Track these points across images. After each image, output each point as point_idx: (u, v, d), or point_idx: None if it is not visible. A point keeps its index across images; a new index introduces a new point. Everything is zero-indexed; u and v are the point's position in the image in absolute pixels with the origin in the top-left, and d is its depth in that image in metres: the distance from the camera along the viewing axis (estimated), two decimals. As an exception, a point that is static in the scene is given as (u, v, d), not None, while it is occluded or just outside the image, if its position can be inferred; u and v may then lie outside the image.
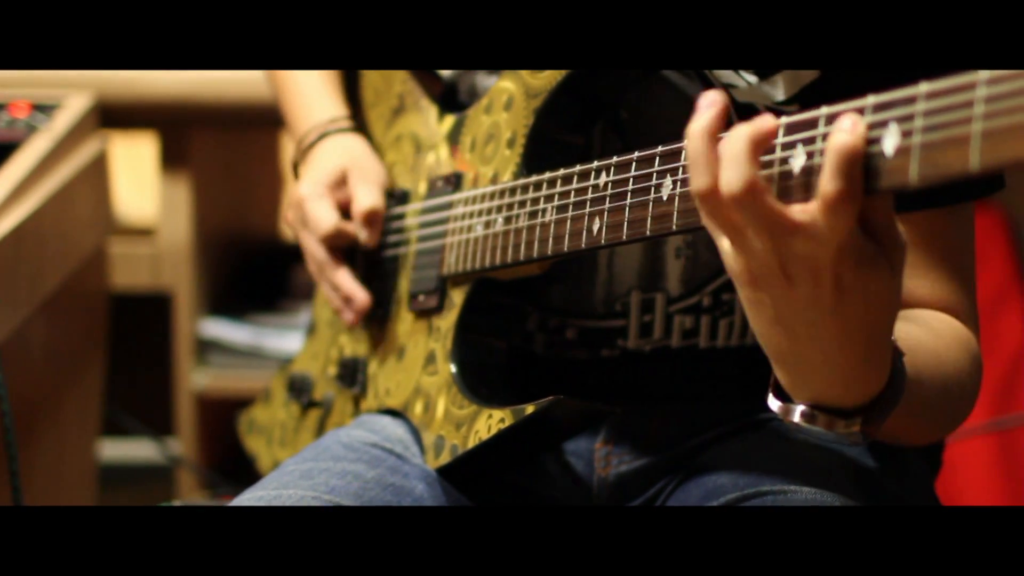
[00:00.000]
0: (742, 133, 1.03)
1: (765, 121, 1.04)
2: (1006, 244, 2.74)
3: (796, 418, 1.14)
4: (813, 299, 1.06)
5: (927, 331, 1.26)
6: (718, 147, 1.05)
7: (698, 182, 1.06)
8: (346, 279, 1.55)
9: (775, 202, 1.03)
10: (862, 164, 0.98)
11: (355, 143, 1.62)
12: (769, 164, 1.04)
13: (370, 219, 1.54)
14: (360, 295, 1.54)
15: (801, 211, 1.02)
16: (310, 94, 1.68)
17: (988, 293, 2.71)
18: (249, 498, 1.34)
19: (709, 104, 1.06)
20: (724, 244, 1.08)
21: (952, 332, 1.29)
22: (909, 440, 1.28)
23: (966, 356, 1.28)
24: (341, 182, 1.57)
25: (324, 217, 1.54)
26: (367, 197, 1.55)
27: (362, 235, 1.54)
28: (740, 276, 1.08)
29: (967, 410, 1.30)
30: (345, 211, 1.56)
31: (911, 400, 1.16)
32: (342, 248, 1.57)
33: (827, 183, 1.00)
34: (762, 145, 1.04)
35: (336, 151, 1.61)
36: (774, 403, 1.16)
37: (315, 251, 1.56)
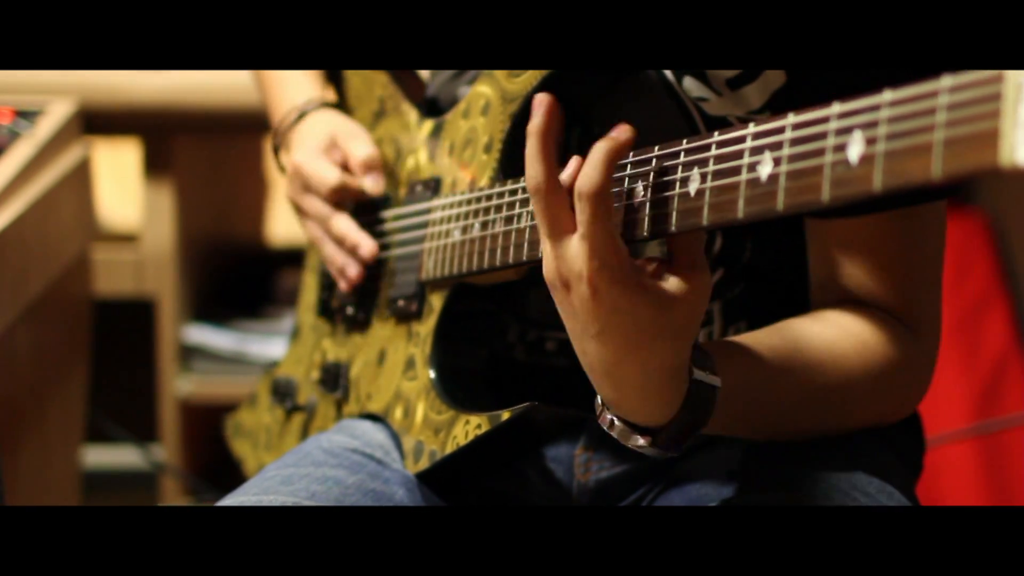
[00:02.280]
0: (532, 128, 1.16)
1: (538, 100, 1.15)
2: (989, 248, 2.75)
3: (604, 424, 1.21)
4: (581, 308, 1.14)
5: (801, 336, 1.30)
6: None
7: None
8: (351, 227, 1.54)
9: (561, 202, 1.14)
10: (612, 166, 1.12)
11: (334, 115, 1.63)
12: (737, 171, 1.05)
13: (371, 165, 1.54)
14: (367, 240, 1.53)
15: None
16: (289, 82, 1.69)
17: (971, 297, 2.71)
18: (230, 503, 1.34)
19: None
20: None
21: (855, 334, 1.31)
22: (785, 438, 1.34)
23: (868, 356, 1.31)
24: (332, 146, 1.57)
25: (327, 172, 1.55)
26: (362, 148, 1.55)
27: (367, 184, 1.54)
28: (543, 273, 1.18)
29: (874, 404, 1.35)
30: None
31: (741, 412, 1.24)
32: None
33: (580, 178, 1.13)
34: (547, 138, 1.15)
35: (318, 123, 1.61)
36: (596, 405, 1.22)
37: (318, 208, 1.56)
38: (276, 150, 1.65)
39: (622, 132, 1.14)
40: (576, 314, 1.16)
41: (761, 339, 1.27)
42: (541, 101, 1.15)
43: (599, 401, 1.21)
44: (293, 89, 1.67)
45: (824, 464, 1.35)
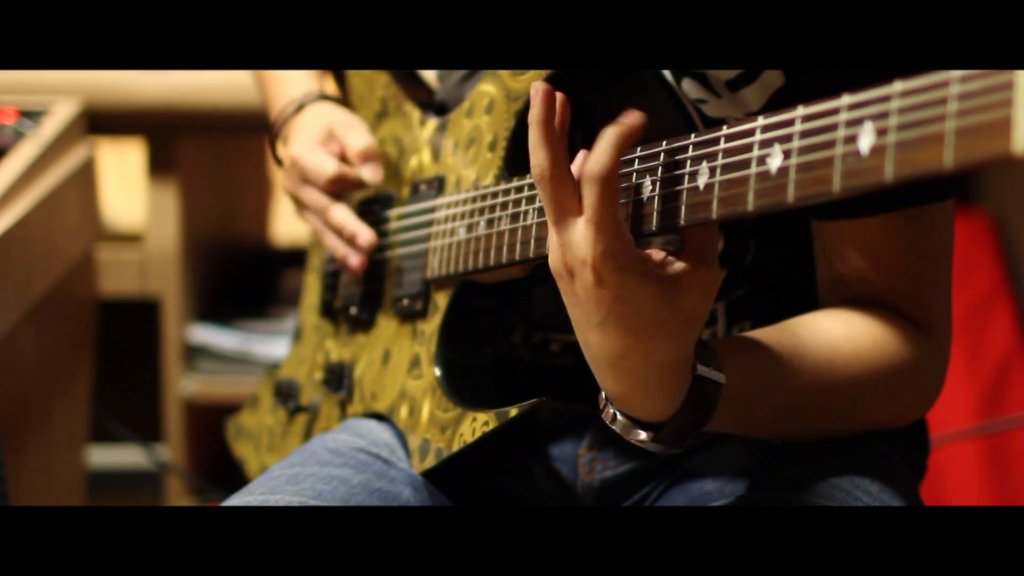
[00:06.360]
0: (532, 117, 1.15)
1: (536, 88, 1.15)
2: (993, 248, 2.75)
3: (607, 418, 1.20)
4: (585, 295, 1.14)
5: (808, 336, 1.29)
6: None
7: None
8: (350, 217, 1.54)
9: (567, 189, 1.14)
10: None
11: (332, 107, 1.63)
12: (746, 164, 1.05)
13: (368, 155, 1.54)
14: (364, 230, 1.53)
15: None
16: (287, 77, 1.69)
17: (975, 297, 2.71)
18: (236, 503, 1.34)
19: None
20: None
21: (865, 333, 1.30)
22: (793, 438, 1.34)
23: (877, 356, 1.30)
24: (329, 137, 1.57)
25: (324, 163, 1.55)
26: (360, 138, 1.55)
27: (365, 173, 1.54)
28: (549, 262, 1.18)
29: (885, 405, 1.33)
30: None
31: (747, 412, 1.24)
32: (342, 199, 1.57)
33: (588, 161, 1.12)
34: (548, 126, 1.15)
35: (316, 115, 1.61)
36: (600, 399, 1.22)
37: (317, 199, 1.56)
38: (273, 143, 1.66)
39: (632, 117, 1.13)
40: (581, 303, 1.15)
41: (768, 336, 1.27)
42: (537, 89, 1.16)
43: (602, 395, 1.21)
44: (291, 83, 1.68)
45: (827, 464, 1.35)
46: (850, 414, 1.32)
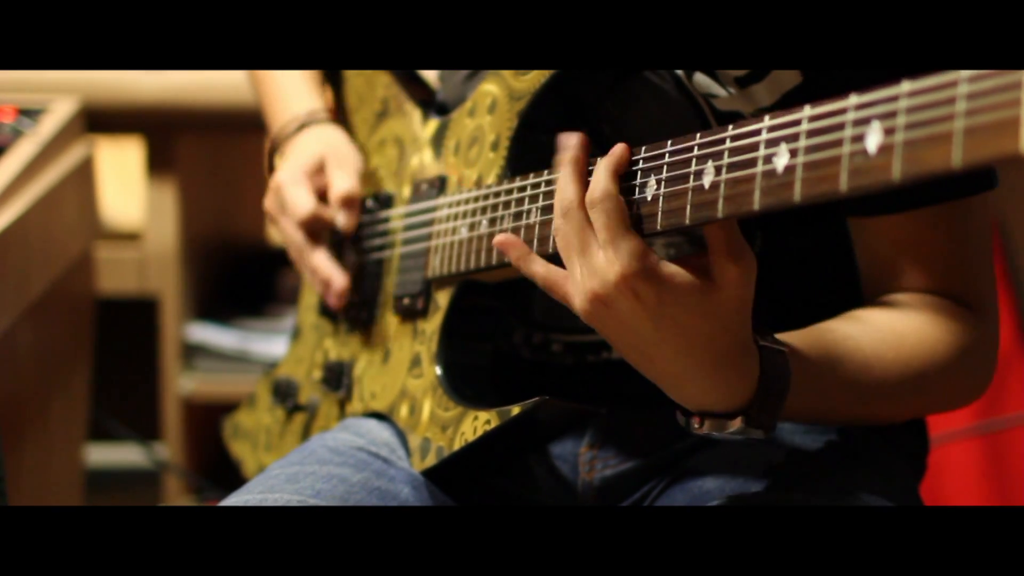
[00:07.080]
0: (566, 158, 1.21)
1: (569, 137, 1.22)
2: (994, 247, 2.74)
3: (694, 428, 1.20)
4: (630, 316, 1.16)
5: (866, 323, 1.30)
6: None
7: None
8: (324, 262, 1.55)
9: (589, 221, 1.17)
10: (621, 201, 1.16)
11: (333, 133, 1.63)
12: (752, 163, 1.05)
13: (346, 202, 1.55)
14: (337, 278, 1.54)
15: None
16: (289, 89, 1.69)
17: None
18: (235, 502, 1.34)
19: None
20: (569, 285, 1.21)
21: (922, 317, 1.30)
22: (868, 420, 1.34)
23: (938, 337, 1.30)
24: (319, 169, 1.58)
25: (301, 201, 1.55)
26: (343, 182, 1.56)
27: (339, 219, 1.55)
28: (578, 310, 1.19)
29: (950, 385, 1.33)
30: (323, 197, 1.57)
31: (820, 388, 1.23)
32: (326, 238, 1.58)
33: (591, 188, 1.18)
34: (583, 166, 1.20)
35: (314, 140, 1.62)
36: (679, 418, 1.22)
37: (294, 236, 1.57)
38: (272, 153, 1.66)
39: (618, 149, 1.18)
40: (629, 326, 1.17)
41: (828, 323, 1.28)
42: (580, 136, 1.22)
43: (680, 414, 1.22)
44: (293, 97, 1.68)
45: (827, 464, 1.35)
46: (918, 391, 1.31)
